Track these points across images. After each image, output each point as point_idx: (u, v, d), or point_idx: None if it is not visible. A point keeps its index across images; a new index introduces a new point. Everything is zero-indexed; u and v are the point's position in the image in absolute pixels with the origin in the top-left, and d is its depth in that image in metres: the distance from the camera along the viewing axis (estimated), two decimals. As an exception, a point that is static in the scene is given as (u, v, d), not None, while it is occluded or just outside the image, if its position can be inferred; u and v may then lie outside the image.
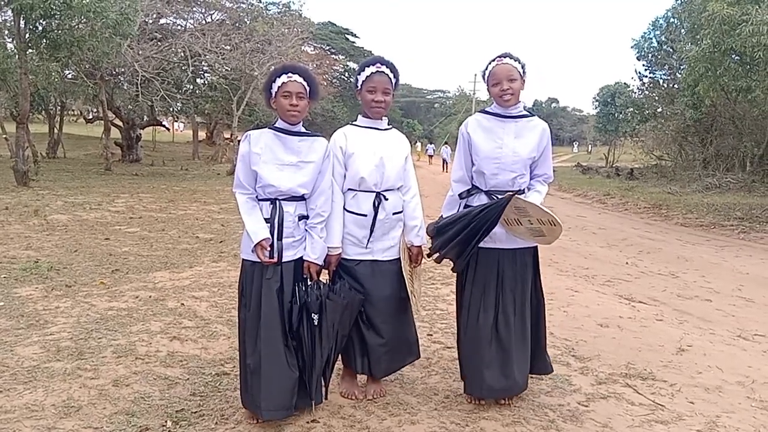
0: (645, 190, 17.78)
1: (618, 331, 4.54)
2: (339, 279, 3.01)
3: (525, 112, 3.09)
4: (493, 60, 3.03)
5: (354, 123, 3.13)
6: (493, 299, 3.04)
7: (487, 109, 3.16)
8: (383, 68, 2.98)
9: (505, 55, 3.01)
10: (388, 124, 3.16)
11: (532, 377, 3.28)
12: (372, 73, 2.97)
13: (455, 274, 3.22)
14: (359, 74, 3.03)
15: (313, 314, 2.77)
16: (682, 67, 19.27)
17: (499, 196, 2.94)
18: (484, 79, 3.10)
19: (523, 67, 3.03)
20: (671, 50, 22.07)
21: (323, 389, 3.02)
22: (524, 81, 3.04)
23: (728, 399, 3.35)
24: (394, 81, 3.03)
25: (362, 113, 3.10)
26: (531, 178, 3.14)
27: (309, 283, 2.86)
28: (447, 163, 30.69)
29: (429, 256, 3.17)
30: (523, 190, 3.08)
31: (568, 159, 43.62)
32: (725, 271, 7.22)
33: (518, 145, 3.03)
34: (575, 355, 3.94)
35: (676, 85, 22.69)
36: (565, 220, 11.57)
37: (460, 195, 3.15)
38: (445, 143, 36.71)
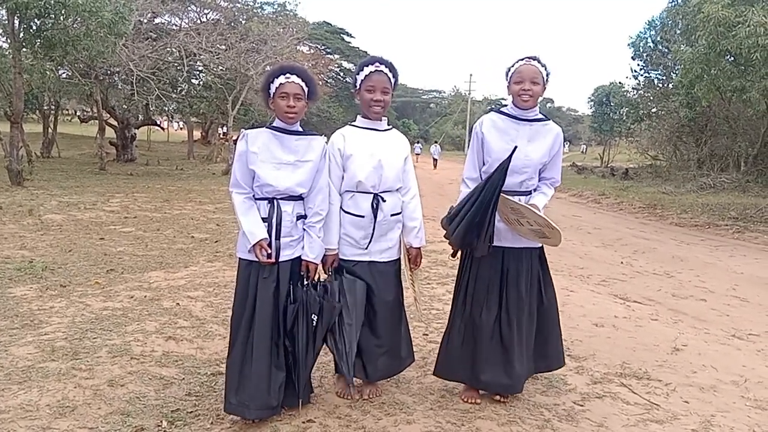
0: (640, 190, 17.82)
1: (613, 330, 4.56)
2: (335, 280, 2.99)
3: (540, 116, 3.09)
4: (522, 59, 3.02)
5: (353, 123, 3.10)
6: (497, 298, 3.04)
7: (503, 109, 3.15)
8: (382, 67, 2.97)
9: (534, 57, 3.01)
10: (388, 125, 3.15)
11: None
12: (371, 72, 2.95)
13: (454, 273, 3.21)
14: (358, 74, 3.00)
15: (312, 315, 2.76)
16: (677, 68, 19.33)
17: (507, 197, 2.93)
18: (506, 76, 3.08)
19: (547, 74, 3.03)
20: (666, 50, 22.14)
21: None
22: (545, 88, 3.05)
23: (723, 398, 3.37)
24: (393, 80, 3.01)
25: (361, 113, 3.08)
26: (538, 180, 3.15)
27: (306, 282, 2.85)
28: (437, 160, 32.25)
29: (453, 255, 3.14)
30: (531, 192, 3.09)
31: (563, 159, 43.78)
32: (720, 271, 7.25)
33: (531, 150, 3.03)
34: (570, 355, 3.94)
35: (671, 85, 22.77)
36: (561, 219, 11.58)
37: None
38: (435, 142, 38.07)
